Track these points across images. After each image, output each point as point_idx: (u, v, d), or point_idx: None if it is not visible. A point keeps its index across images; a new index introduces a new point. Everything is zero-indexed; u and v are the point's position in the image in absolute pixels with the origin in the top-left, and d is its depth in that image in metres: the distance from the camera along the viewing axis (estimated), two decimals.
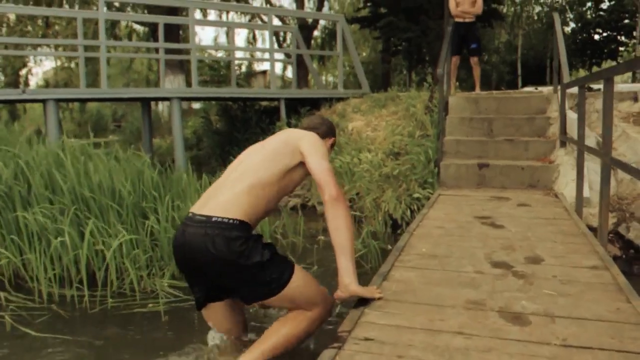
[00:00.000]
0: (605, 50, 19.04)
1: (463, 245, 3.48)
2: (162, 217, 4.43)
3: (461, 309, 2.42)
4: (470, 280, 2.81)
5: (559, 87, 6.51)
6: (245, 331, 2.83)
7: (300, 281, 2.44)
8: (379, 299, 2.54)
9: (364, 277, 3.01)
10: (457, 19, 7.99)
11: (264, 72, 30.95)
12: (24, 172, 4.72)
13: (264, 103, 10.24)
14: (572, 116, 5.68)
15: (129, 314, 3.63)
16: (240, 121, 9.71)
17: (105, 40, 7.58)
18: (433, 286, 2.73)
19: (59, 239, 3.98)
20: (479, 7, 8.05)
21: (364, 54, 33.06)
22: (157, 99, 9.18)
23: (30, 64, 17.75)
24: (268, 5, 22.78)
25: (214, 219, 2.29)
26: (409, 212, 5.71)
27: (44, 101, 7.45)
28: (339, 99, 8.89)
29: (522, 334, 2.15)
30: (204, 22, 11.26)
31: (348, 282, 2.37)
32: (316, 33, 26.35)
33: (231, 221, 2.30)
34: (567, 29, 20.29)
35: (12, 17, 15.58)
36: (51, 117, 7.40)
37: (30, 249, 4.07)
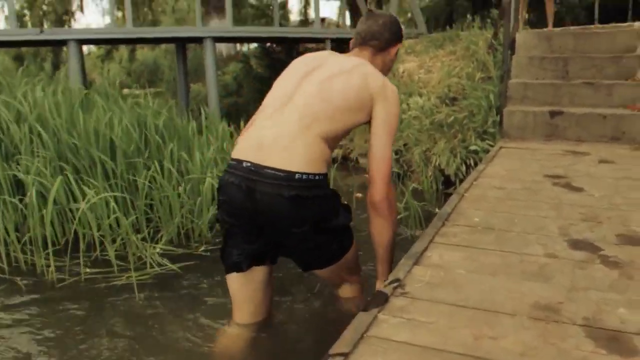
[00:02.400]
0: None
1: (529, 215, 2.61)
2: (163, 171, 3.76)
3: (525, 318, 1.60)
4: (539, 269, 1.98)
5: None
6: (269, 316, 2.30)
7: (353, 245, 2.21)
8: (403, 294, 1.76)
9: (401, 247, 2.28)
10: None
11: (322, 20, 29.94)
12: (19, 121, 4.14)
13: (310, 45, 9.36)
14: None
15: (107, 287, 3.00)
16: (283, 65, 8.88)
17: None
18: (485, 276, 1.92)
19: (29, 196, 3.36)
20: None
21: None
22: (187, 40, 8.45)
23: (74, 8, 17.32)
24: None
25: (297, 176, 1.87)
26: (464, 168, 4.84)
27: (65, 42, 6.85)
28: None
29: None
30: None
31: None
32: None
33: (317, 177, 1.92)
34: None
35: None
36: (73, 59, 6.82)
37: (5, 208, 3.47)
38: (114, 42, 12.77)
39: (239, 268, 2.10)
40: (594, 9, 18.49)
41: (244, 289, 2.15)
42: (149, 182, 3.71)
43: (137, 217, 3.64)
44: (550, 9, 7.27)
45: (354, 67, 2.11)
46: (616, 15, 19.31)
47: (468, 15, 21.52)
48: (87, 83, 9.65)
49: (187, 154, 4.20)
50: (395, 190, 2.18)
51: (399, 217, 3.84)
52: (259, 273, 2.14)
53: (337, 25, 24.09)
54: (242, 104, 9.16)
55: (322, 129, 1.96)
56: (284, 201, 1.86)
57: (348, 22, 17.71)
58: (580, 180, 3.32)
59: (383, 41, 2.26)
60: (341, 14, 10.60)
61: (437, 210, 4.19)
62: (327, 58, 2.19)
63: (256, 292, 2.17)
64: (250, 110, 9.35)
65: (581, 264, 2.03)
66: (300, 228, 1.92)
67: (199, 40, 7.60)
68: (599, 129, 4.83)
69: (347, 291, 2.39)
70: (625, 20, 18.59)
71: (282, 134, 1.93)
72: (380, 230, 2.11)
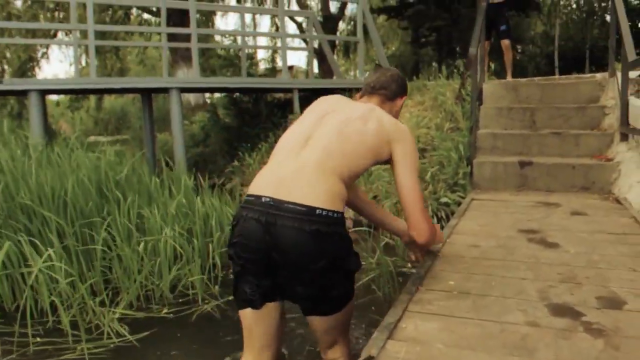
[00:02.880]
0: None
1: (507, 277, 2.50)
2: (120, 228, 3.57)
3: None
4: (521, 340, 1.85)
5: (616, 71, 5.45)
6: (279, 350, 2.20)
7: (353, 298, 2.09)
8: None
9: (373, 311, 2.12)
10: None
11: (290, 68, 30.20)
12: None
13: (278, 95, 9.32)
14: (637, 104, 4.62)
15: None
16: (251, 115, 8.81)
17: (93, 24, 6.75)
18: (465, 351, 1.78)
19: None
20: None
21: (393, 48, 31.98)
22: (153, 90, 8.34)
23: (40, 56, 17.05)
24: None
25: (318, 211, 1.86)
26: (435, 221, 4.74)
27: (25, 92, 6.66)
28: (359, 90, 7.81)
29: None
30: (206, 5, 10.33)
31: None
32: (342, 25, 25.44)
33: (336, 215, 1.90)
34: (608, 18, 18.93)
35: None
36: (34, 110, 6.61)
37: None
38: (77, 92, 12.57)
39: (253, 305, 2.03)
40: (554, 57, 19.10)
41: (258, 324, 2.06)
42: (108, 241, 3.51)
43: (94, 280, 3.42)
44: (508, 59, 7.41)
45: (369, 110, 2.19)
46: (575, 63, 19.99)
47: (434, 64, 22.02)
48: (50, 133, 9.45)
49: (149, 209, 4.03)
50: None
51: (371, 275, 3.73)
52: (272, 309, 2.06)
53: (306, 74, 24.35)
54: (209, 154, 9.01)
55: (340, 169, 2.00)
56: (305, 235, 1.84)
57: (316, 70, 17.88)
58: (555, 235, 3.24)
59: (391, 91, 2.39)
60: (309, 62, 10.61)
61: (409, 266, 4.08)
62: (340, 102, 2.26)
63: (270, 327, 2.08)
64: (217, 160, 9.23)
65: (564, 332, 1.90)
66: (317, 264, 1.87)
67: (165, 90, 7.48)
68: (568, 179, 4.81)
69: (337, 353, 2.25)
70: (583, 68, 19.25)
71: (301, 171, 1.95)
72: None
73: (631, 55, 4.48)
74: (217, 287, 3.75)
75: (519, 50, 19.01)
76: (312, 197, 1.88)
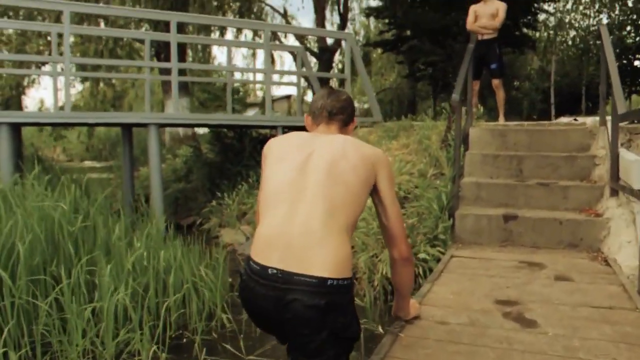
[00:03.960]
0: None
1: None
2: (65, 288, 3.28)
3: None
4: None
5: (607, 119, 5.22)
6: None
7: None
8: None
9: None
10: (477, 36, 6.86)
11: (288, 97, 30.05)
12: None
13: (264, 130, 9.10)
14: (628, 157, 4.37)
15: None
16: (234, 151, 8.57)
17: (70, 57, 6.54)
18: None
19: None
20: (499, 20, 6.87)
21: (390, 79, 31.95)
22: (129, 125, 8.11)
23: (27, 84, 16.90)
24: (284, 22, 21.90)
25: (329, 282, 1.79)
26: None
27: None
28: None
29: None
30: (188, 39, 10.19)
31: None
32: (338, 57, 25.43)
33: (346, 282, 1.84)
34: None
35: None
36: (4, 145, 6.37)
37: None
38: (52, 125, 12.39)
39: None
40: (550, 93, 18.96)
41: None
42: (54, 298, 3.22)
43: (31, 347, 3.12)
44: (500, 100, 7.15)
45: (344, 142, 2.09)
46: (571, 99, 19.88)
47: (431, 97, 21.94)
48: (29, 162, 9.25)
49: (105, 260, 3.76)
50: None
51: None
52: None
53: (288, 111, 24.12)
54: (190, 190, 8.75)
55: (346, 221, 1.93)
56: (315, 310, 1.77)
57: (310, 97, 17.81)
58: (534, 310, 2.96)
59: (347, 116, 2.27)
60: (298, 98, 10.41)
61: (380, 329, 3.79)
62: (315, 141, 2.11)
63: None
64: (198, 198, 8.97)
65: None
66: (320, 334, 1.81)
67: (144, 125, 7.25)
68: (555, 235, 4.54)
69: None
70: (579, 104, 19.12)
71: (309, 235, 1.85)
72: (409, 277, 2.33)
73: (621, 107, 4.24)
74: (164, 354, 3.44)
75: (515, 87, 18.89)
76: (322, 266, 1.80)
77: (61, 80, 7.06)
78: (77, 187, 5.54)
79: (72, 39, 14.78)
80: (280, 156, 2.09)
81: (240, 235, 6.76)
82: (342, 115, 2.24)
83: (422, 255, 4.46)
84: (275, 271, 1.80)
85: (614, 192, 4.56)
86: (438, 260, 4.38)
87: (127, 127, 8.43)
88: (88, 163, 27.23)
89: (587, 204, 4.82)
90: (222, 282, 4.30)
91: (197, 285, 4.13)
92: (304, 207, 1.90)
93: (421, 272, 4.44)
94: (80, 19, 12.35)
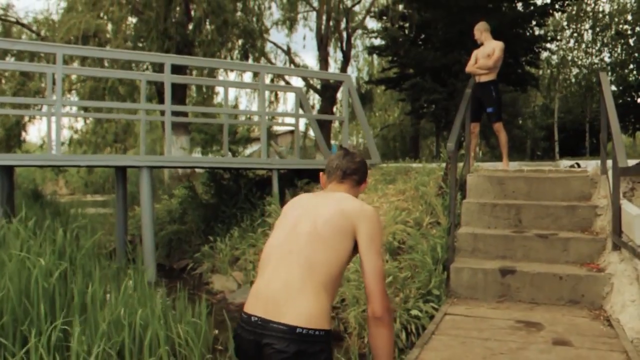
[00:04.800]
0: None
1: None
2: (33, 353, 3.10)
3: None
4: None
5: (608, 168, 5.05)
6: None
7: None
8: None
9: None
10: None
11: (292, 132, 30.09)
12: None
13: (261, 172, 8.97)
14: (630, 210, 4.19)
15: None
16: (229, 193, 8.41)
17: (61, 98, 6.46)
18: None
19: None
20: (493, 59, 6.60)
21: (394, 115, 32.00)
22: (121, 167, 8.00)
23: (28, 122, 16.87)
24: (290, 65, 22.01)
25: (298, 330, 1.95)
26: (404, 335, 4.24)
27: None
28: None
29: None
30: (183, 79, 10.17)
31: None
32: (340, 95, 25.50)
33: (318, 332, 1.97)
34: None
35: None
36: None
37: None
38: (40, 167, 12.35)
39: None
40: (553, 131, 18.87)
41: None
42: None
43: None
44: (502, 143, 6.92)
45: (334, 200, 2.24)
46: (575, 135, 19.77)
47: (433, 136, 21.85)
48: (24, 199, 9.16)
49: (80, 319, 3.58)
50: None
51: None
52: None
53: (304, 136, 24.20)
54: (184, 232, 8.56)
55: (324, 272, 2.06)
56: (286, 356, 1.91)
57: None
58: None
59: (360, 177, 2.43)
60: (296, 139, 10.31)
61: None
62: (310, 201, 2.30)
63: None
64: (192, 240, 8.80)
65: None
66: None
67: (134, 167, 7.12)
68: (555, 291, 4.35)
69: None
70: (583, 140, 18.96)
71: (288, 289, 2.02)
72: (383, 340, 2.12)
73: (622, 160, 4.08)
74: None
75: (518, 125, 18.80)
76: (296, 316, 1.95)
77: (54, 121, 6.96)
78: (65, 231, 5.41)
79: (74, 76, 14.96)
80: (282, 219, 2.30)
81: (232, 281, 6.56)
82: (355, 175, 2.40)
83: (414, 312, 4.25)
84: (256, 319, 2.01)
85: (616, 247, 4.36)
86: (432, 317, 4.18)
87: (120, 170, 8.32)
88: (90, 197, 27.17)
89: (589, 258, 4.63)
90: (203, 340, 4.10)
91: (175, 343, 3.94)
92: (287, 265, 2.07)
93: (413, 330, 4.23)
94: (82, 58, 12.37)
